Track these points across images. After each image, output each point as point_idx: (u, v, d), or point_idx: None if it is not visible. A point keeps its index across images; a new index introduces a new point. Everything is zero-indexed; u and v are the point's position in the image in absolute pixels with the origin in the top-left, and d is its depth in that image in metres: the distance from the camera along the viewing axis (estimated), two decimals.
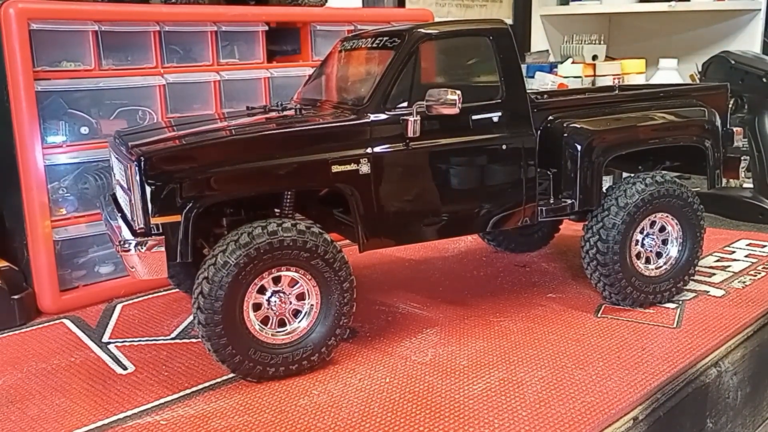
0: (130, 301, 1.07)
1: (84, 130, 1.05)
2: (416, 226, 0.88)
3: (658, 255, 1.01)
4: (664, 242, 1.01)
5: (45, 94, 1.00)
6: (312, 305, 0.82)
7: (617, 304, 0.99)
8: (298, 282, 0.81)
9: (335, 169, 0.82)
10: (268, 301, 0.81)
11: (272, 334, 0.81)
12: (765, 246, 1.25)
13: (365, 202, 0.84)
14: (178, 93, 1.13)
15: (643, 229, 0.98)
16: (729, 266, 1.15)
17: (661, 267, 1.01)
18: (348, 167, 0.83)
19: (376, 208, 0.85)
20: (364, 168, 0.83)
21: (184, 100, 1.14)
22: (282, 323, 0.82)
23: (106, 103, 1.07)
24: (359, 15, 1.37)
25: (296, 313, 0.82)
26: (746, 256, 1.20)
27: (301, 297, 0.82)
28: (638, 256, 0.99)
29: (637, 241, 0.98)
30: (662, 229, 1.00)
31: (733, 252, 1.23)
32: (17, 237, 1.05)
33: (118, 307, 1.05)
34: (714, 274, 1.12)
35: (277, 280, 0.81)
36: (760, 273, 1.11)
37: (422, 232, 0.90)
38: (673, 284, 1.01)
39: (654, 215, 0.98)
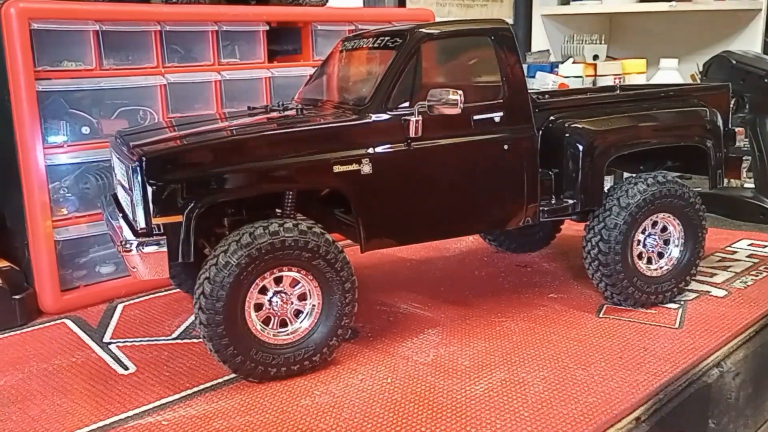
0: (131, 301, 1.07)
1: (85, 129, 1.05)
2: (418, 226, 0.88)
3: (660, 255, 1.01)
4: (666, 242, 1.01)
5: (46, 93, 1.00)
6: (313, 305, 0.82)
7: (619, 304, 0.99)
8: (299, 282, 0.81)
9: (337, 169, 0.82)
10: (270, 301, 0.80)
11: (274, 335, 0.81)
12: (766, 246, 1.25)
13: (367, 203, 0.84)
14: (179, 93, 1.13)
15: (644, 229, 0.98)
16: (731, 266, 1.15)
17: (662, 267, 1.00)
18: (350, 167, 0.82)
19: (377, 208, 0.85)
20: (366, 168, 0.83)
21: (185, 100, 1.14)
22: (284, 323, 0.82)
23: (107, 102, 1.07)
24: (360, 15, 1.37)
25: (298, 314, 0.82)
26: (748, 257, 1.20)
27: (302, 297, 0.82)
28: (640, 256, 0.99)
29: (639, 241, 0.98)
30: (664, 229, 1.00)
31: (735, 252, 1.22)
32: (18, 237, 1.04)
33: (119, 307, 1.05)
34: (716, 274, 1.11)
35: (278, 281, 0.81)
36: (761, 273, 1.11)
37: (424, 233, 0.89)
38: (674, 284, 1.01)
39: (655, 215, 0.98)
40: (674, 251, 1.01)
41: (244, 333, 0.78)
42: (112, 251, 1.08)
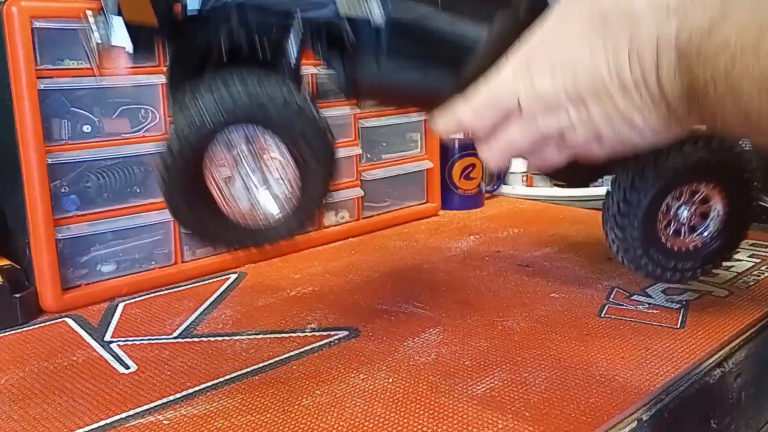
0: (132, 300, 1.07)
1: (86, 128, 1.05)
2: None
3: (692, 229, 0.90)
4: (704, 216, 0.90)
5: (47, 92, 1.00)
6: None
7: (631, 270, 0.93)
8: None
9: None
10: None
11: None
12: None
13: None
14: None
15: (681, 196, 0.88)
16: (733, 266, 1.15)
17: (688, 243, 0.90)
18: None
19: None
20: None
21: None
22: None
23: (109, 101, 1.07)
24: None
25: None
26: (750, 256, 1.20)
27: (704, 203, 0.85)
28: (667, 225, 0.89)
29: (669, 208, 0.88)
30: (705, 201, 0.89)
31: (737, 252, 1.22)
32: (19, 236, 1.04)
33: (120, 306, 1.05)
34: (717, 274, 1.11)
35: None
36: (764, 273, 1.11)
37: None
38: (699, 265, 0.92)
39: (697, 184, 0.87)
40: (710, 229, 0.91)
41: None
42: (113, 250, 1.08)
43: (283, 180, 0.75)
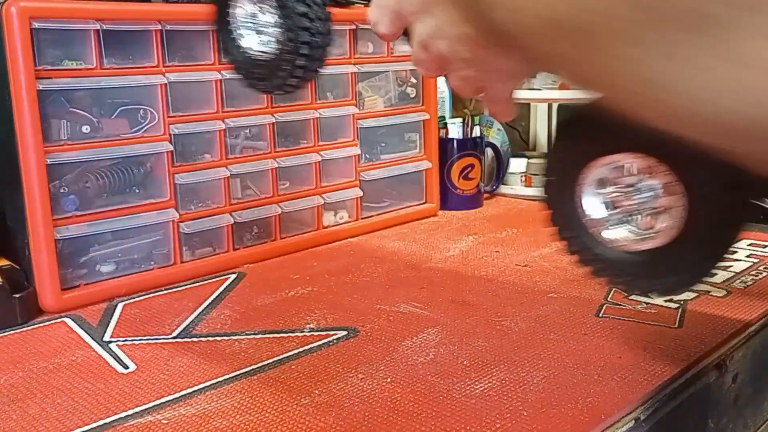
0: (131, 300, 1.08)
1: (85, 128, 1.05)
2: None
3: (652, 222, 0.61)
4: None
5: (46, 92, 1.00)
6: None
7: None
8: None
9: None
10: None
11: None
12: (766, 246, 1.25)
13: None
14: (179, 92, 1.13)
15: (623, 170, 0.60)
16: (730, 266, 1.15)
17: (645, 237, 0.61)
18: None
19: None
20: None
21: (185, 99, 1.14)
22: None
23: (108, 101, 1.07)
24: (360, 14, 1.37)
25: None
26: (748, 256, 1.20)
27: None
28: (614, 204, 0.63)
29: (612, 182, 0.62)
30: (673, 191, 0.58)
31: (735, 252, 1.23)
32: (19, 236, 1.05)
33: (120, 306, 1.05)
34: (715, 274, 1.11)
35: None
36: (761, 273, 1.11)
37: None
38: (645, 274, 0.63)
39: (624, 156, 0.59)
40: (667, 223, 0.59)
41: None
42: (112, 250, 1.08)
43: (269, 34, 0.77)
